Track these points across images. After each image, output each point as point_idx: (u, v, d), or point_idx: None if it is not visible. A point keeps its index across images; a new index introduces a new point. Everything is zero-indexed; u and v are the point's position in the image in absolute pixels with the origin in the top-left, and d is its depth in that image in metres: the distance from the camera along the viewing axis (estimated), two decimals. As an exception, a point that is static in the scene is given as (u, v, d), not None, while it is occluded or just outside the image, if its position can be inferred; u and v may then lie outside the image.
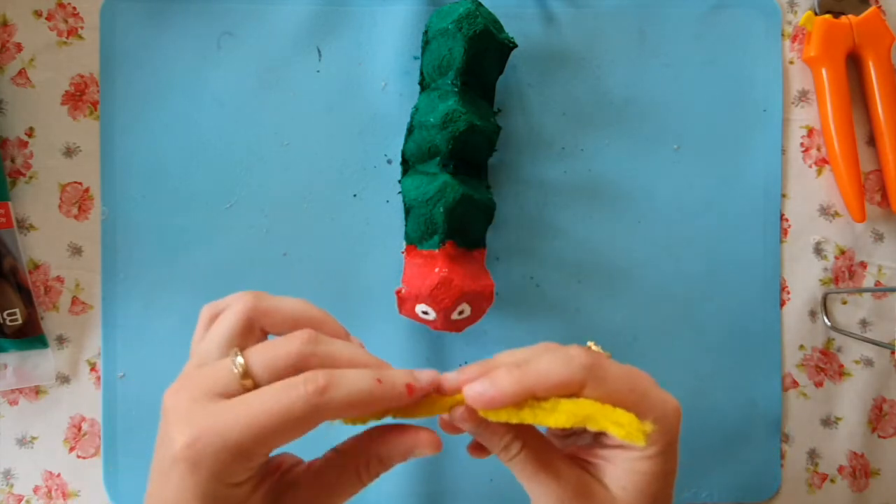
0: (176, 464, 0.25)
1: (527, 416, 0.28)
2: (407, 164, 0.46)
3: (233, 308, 0.29)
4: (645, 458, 0.29)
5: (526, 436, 0.30)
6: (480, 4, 0.43)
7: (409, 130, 0.45)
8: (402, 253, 0.47)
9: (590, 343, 0.33)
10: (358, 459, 0.29)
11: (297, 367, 0.27)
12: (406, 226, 0.45)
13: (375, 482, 0.49)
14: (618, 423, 0.27)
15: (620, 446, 0.30)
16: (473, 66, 0.43)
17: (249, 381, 0.27)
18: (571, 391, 0.28)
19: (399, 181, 0.47)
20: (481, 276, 0.44)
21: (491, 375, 0.29)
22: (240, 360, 0.27)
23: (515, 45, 0.44)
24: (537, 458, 0.30)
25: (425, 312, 0.43)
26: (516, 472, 0.30)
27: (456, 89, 0.43)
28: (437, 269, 0.42)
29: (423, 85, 0.46)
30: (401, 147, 0.46)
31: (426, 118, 0.43)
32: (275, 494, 0.29)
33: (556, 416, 0.28)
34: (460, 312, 0.43)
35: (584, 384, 0.28)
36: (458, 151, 0.43)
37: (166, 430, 0.26)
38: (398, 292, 0.43)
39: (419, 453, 0.29)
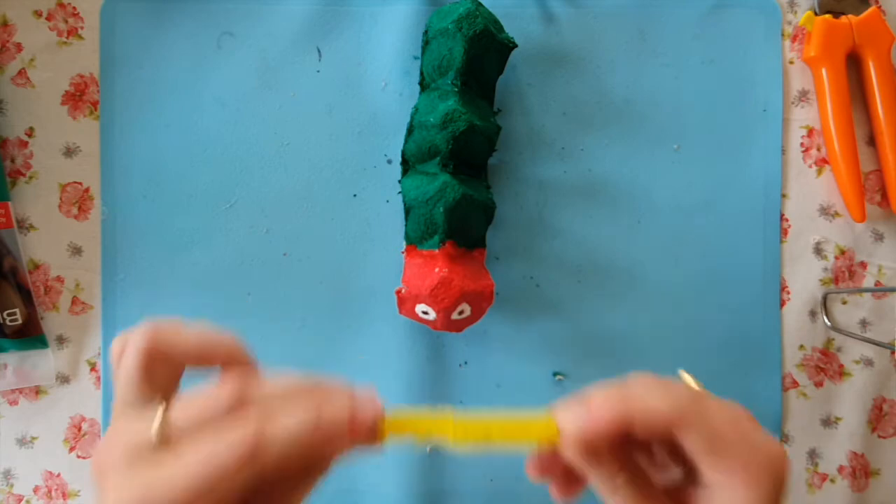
0: None
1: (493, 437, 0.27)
2: (407, 165, 0.46)
3: (130, 348, 0.28)
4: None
5: (632, 469, 0.28)
6: (480, 4, 0.43)
7: (409, 130, 0.45)
8: (402, 253, 0.47)
9: (682, 372, 0.31)
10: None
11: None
12: (406, 226, 0.45)
13: (375, 482, 0.49)
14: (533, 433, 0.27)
15: (719, 486, 0.27)
16: (473, 66, 0.43)
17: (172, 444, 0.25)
18: (673, 427, 0.27)
19: (399, 181, 0.47)
20: (481, 276, 0.44)
21: (586, 400, 0.27)
22: (158, 419, 0.25)
23: (515, 45, 0.44)
24: (642, 493, 0.28)
25: (425, 312, 0.43)
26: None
27: (456, 89, 0.43)
28: (437, 269, 0.42)
29: (423, 85, 0.46)
30: (401, 147, 0.46)
31: (426, 118, 0.43)
32: None
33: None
34: (460, 312, 0.43)
35: (689, 421, 0.26)
36: (458, 151, 0.43)
37: (99, 494, 0.25)
38: (398, 292, 0.43)
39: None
